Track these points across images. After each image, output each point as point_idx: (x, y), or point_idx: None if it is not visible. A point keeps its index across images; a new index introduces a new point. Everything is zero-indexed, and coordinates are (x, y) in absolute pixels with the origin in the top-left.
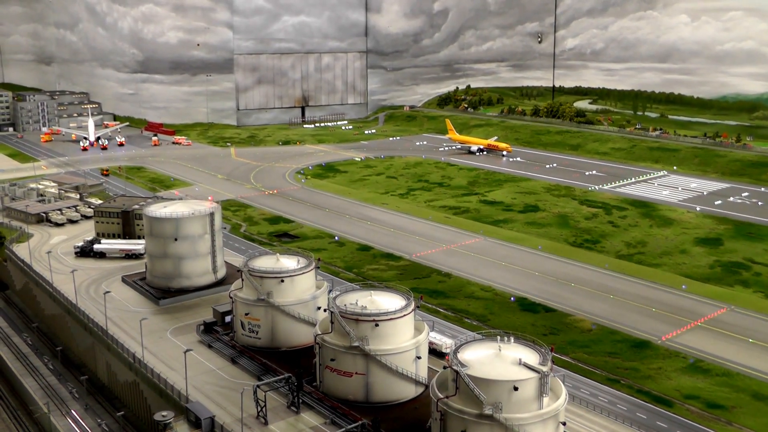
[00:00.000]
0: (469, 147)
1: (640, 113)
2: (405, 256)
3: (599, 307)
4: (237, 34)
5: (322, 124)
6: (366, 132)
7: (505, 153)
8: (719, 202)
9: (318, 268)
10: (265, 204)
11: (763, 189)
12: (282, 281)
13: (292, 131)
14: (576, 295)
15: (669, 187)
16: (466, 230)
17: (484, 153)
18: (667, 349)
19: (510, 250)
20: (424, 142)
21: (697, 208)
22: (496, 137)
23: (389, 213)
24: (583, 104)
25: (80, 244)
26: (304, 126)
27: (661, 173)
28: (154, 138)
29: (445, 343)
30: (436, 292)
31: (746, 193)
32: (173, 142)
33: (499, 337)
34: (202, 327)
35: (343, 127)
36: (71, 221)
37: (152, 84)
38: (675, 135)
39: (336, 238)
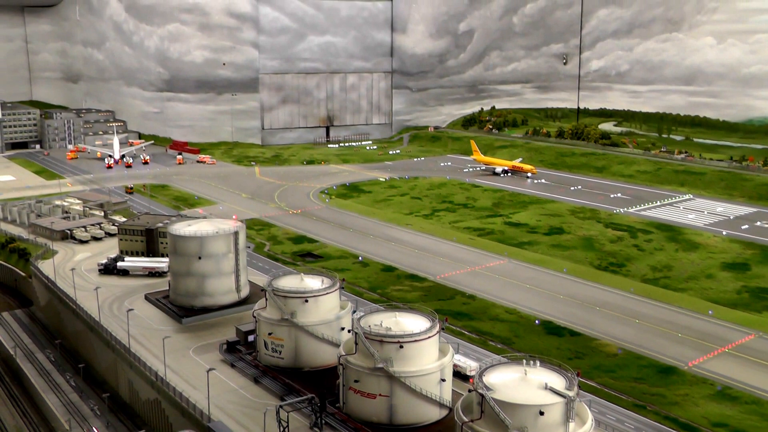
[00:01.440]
0: (494, 168)
1: (665, 136)
2: (429, 277)
3: (625, 331)
4: (262, 54)
5: (347, 144)
6: (390, 152)
7: (529, 174)
8: (746, 226)
9: (342, 288)
10: (289, 223)
11: None
12: (306, 301)
13: (317, 151)
14: (601, 318)
15: (695, 211)
16: (490, 252)
17: (509, 174)
18: (694, 375)
19: (535, 272)
20: (449, 163)
21: (724, 233)
22: (520, 158)
23: (413, 234)
24: (607, 126)
25: (104, 261)
26: (329, 146)
27: (687, 197)
28: (179, 156)
29: (469, 365)
30: (461, 314)
31: None
32: (198, 161)
33: (524, 361)
34: (225, 346)
35: (367, 147)
36: (95, 238)
37: (177, 102)
38: (701, 158)
39: (360, 258)
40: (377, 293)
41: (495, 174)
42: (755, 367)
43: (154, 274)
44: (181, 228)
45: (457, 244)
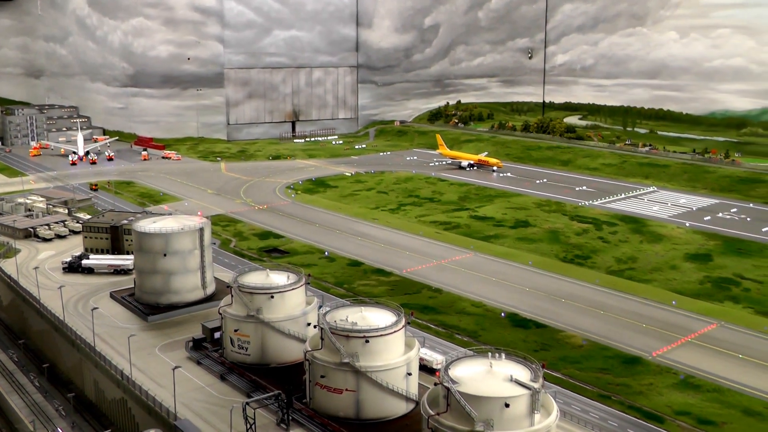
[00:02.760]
0: (460, 162)
1: (630, 129)
2: (395, 271)
3: (590, 322)
4: (228, 48)
5: (313, 139)
6: (356, 147)
7: (495, 168)
8: (708, 217)
9: (308, 283)
10: (255, 219)
11: (751, 205)
12: (272, 297)
13: (283, 146)
14: (567, 310)
15: (659, 203)
16: (456, 246)
17: (475, 168)
18: (658, 365)
19: (501, 265)
20: (415, 157)
21: (687, 224)
22: (486, 153)
23: (380, 228)
24: (573, 120)
25: (68, 259)
26: (295, 141)
27: (651, 189)
28: (144, 152)
29: (435, 359)
30: (427, 308)
31: (735, 209)
32: (163, 157)
33: (490, 354)
34: (191, 343)
35: (333, 142)
36: (59, 236)
37: (142, 98)
38: (664, 151)
39: (326, 253)
40: (343, 288)
41: (461, 168)
42: (717, 355)
43: (119, 271)
44: (146, 225)
45: (424, 238)
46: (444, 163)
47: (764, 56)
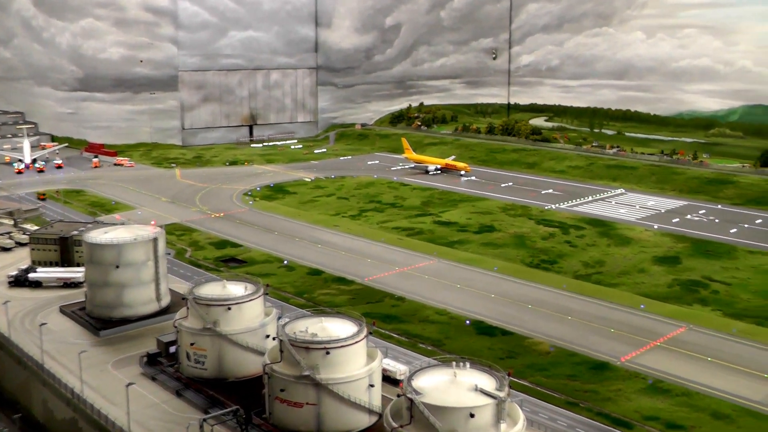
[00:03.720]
0: (426, 167)
1: (597, 130)
2: (357, 279)
3: (557, 328)
4: (182, 50)
5: (271, 143)
6: (316, 151)
7: (463, 173)
8: (677, 219)
9: (267, 294)
10: (211, 228)
11: (720, 206)
12: (229, 309)
13: (240, 151)
14: (533, 317)
15: (626, 206)
16: (420, 252)
17: (442, 173)
18: (627, 370)
19: (465, 272)
20: (377, 161)
21: (655, 227)
22: (453, 156)
23: (340, 235)
24: (538, 122)
25: (14, 273)
26: (252, 145)
27: (619, 191)
28: (95, 159)
29: (399, 369)
30: (390, 317)
31: (703, 211)
32: (115, 164)
33: (454, 363)
34: (145, 358)
35: (292, 146)
36: (4, 249)
37: (93, 102)
38: (632, 152)
39: (285, 262)
40: (303, 298)
41: (427, 173)
42: (686, 359)
43: (69, 284)
44: (98, 235)
45: (386, 245)
46: (406, 167)
47: (731, 56)
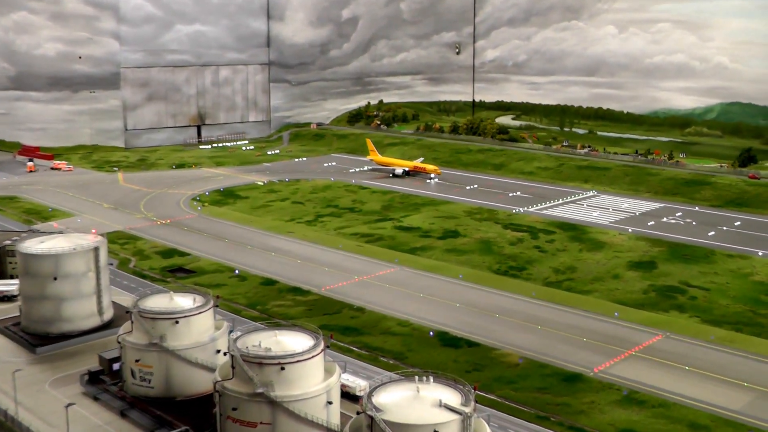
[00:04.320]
0: (393, 169)
1: (567, 129)
2: (314, 289)
3: (527, 339)
4: (124, 46)
5: (221, 145)
6: (269, 153)
7: (433, 176)
8: (652, 222)
9: (217, 306)
10: (157, 235)
11: (697, 208)
12: (177, 322)
13: (188, 153)
14: (501, 326)
15: (599, 208)
16: (380, 259)
17: (410, 175)
18: (600, 381)
19: (428, 279)
20: (334, 163)
21: (630, 230)
22: (421, 158)
23: (296, 242)
24: (505, 120)
25: None
26: (201, 147)
27: (591, 193)
28: (30, 163)
29: (359, 385)
30: (349, 329)
31: (680, 213)
32: (52, 168)
33: (417, 377)
34: (86, 377)
35: (243, 148)
36: None
37: (27, 102)
38: (605, 152)
39: (237, 271)
40: (257, 310)
41: (395, 176)
42: (662, 368)
43: (2, 299)
44: (33, 245)
45: (344, 252)
46: (366, 169)
47: (706, 52)
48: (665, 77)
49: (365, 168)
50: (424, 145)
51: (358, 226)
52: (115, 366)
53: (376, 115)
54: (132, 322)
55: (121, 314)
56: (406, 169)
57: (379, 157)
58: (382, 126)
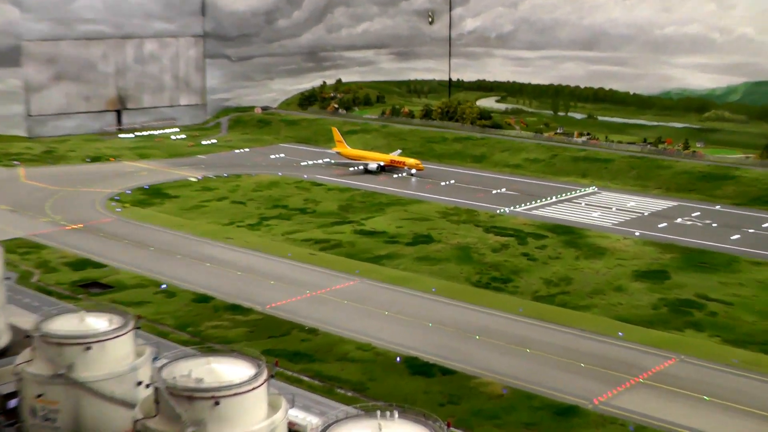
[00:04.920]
0: (366, 164)
1: (562, 114)
2: (257, 307)
3: (513, 364)
4: (27, 14)
5: (146, 134)
6: (204, 143)
7: (414, 171)
8: (664, 224)
9: (138, 328)
10: (66, 243)
11: (718, 207)
12: (89, 348)
13: (105, 144)
14: (482, 350)
15: (600, 207)
16: (337, 270)
17: (380, 171)
18: (601, 414)
19: (395, 294)
20: (282, 155)
21: (636, 233)
22: (399, 150)
23: (235, 250)
24: (488, 103)
25: None
26: (121, 136)
27: (590, 190)
28: None
29: (310, 422)
30: (298, 355)
31: (697, 213)
32: None
33: (380, 412)
34: None
35: (173, 137)
36: None
37: None
38: (607, 141)
39: (164, 286)
40: (187, 333)
41: (368, 172)
42: (676, 398)
43: None
44: None
45: (294, 262)
46: (323, 162)
47: (728, 22)
48: (678, 52)
49: (322, 161)
50: (390, 132)
51: (311, 230)
52: (11, 403)
53: (333, 97)
54: (33, 349)
55: (21, 339)
56: (382, 163)
57: (348, 149)
58: (340, 110)
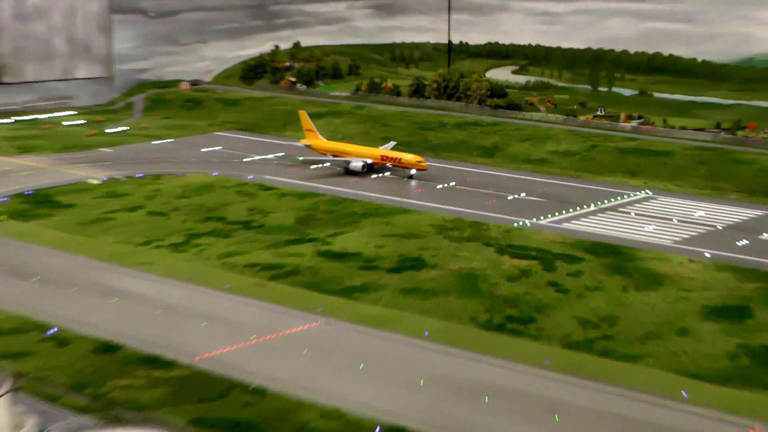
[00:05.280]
0: (347, 162)
1: (603, 89)
2: (182, 359)
3: None
4: None
5: (29, 118)
6: (110, 131)
7: (413, 172)
8: (744, 242)
9: (16, 390)
10: None
11: None
12: None
13: None
14: (493, 418)
15: (656, 219)
16: (294, 308)
17: (366, 171)
18: None
19: (373, 340)
20: (219, 148)
21: (707, 254)
22: (393, 143)
23: (153, 280)
24: (502, 75)
25: None
26: None
27: (642, 194)
28: None
29: None
30: (239, 425)
31: None
32: None
33: None
34: None
35: (67, 123)
36: None
37: None
38: (665, 127)
39: (52, 331)
40: (85, 395)
41: (350, 173)
42: None
43: None
44: None
45: (234, 296)
46: (273, 157)
47: None
48: (765, 4)
49: (273, 157)
50: (368, 116)
51: (258, 252)
52: None
53: (290, 67)
54: None
55: None
56: (369, 161)
57: (323, 142)
58: (298, 85)
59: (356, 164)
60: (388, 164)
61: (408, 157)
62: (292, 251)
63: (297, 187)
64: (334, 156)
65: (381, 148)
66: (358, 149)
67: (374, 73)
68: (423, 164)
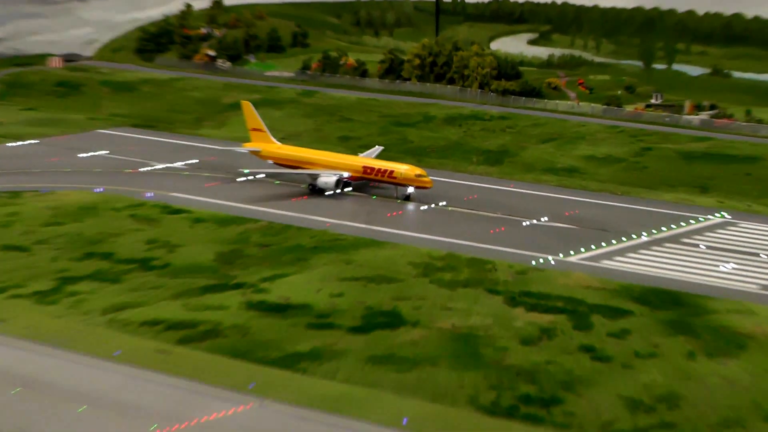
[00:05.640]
0: (315, 177)
1: (659, 66)
2: None
3: None
4: None
5: None
6: None
7: (411, 189)
8: None
9: None
10: None
11: None
12: None
13: None
14: None
15: (736, 254)
16: (212, 385)
17: (340, 190)
18: None
19: (327, 430)
20: (106, 152)
21: None
22: (379, 147)
23: (7, 345)
24: (513, 45)
25: None
26: None
27: (716, 217)
28: None
29: None
30: None
31: None
32: None
33: None
34: None
35: None
36: None
37: None
38: (750, 122)
39: None
40: None
41: (316, 191)
42: None
43: None
44: None
45: (126, 367)
46: (186, 168)
47: None
48: None
49: (182, 164)
50: (320, 106)
51: (161, 302)
52: None
53: (207, 36)
54: None
55: None
56: (346, 174)
57: (277, 146)
58: (220, 61)
59: (327, 179)
60: (375, 179)
61: (403, 169)
62: (211, 302)
63: (218, 209)
64: (293, 168)
65: (362, 155)
66: (329, 157)
67: (329, 44)
68: (425, 179)
